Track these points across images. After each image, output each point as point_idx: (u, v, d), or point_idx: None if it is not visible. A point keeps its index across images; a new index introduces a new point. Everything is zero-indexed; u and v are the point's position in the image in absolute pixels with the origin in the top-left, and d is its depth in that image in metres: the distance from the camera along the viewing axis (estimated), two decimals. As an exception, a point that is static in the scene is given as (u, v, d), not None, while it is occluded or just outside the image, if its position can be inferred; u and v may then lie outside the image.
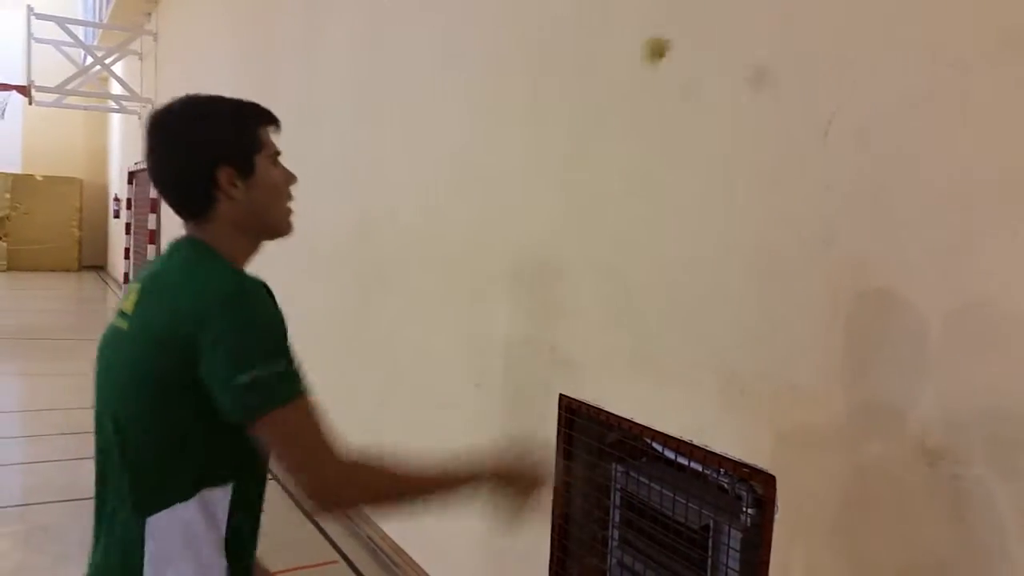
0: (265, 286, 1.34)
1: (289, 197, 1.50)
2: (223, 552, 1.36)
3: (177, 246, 1.44)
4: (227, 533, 1.36)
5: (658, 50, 1.62)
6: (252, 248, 1.48)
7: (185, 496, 1.32)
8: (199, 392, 1.27)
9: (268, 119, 1.48)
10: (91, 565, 1.43)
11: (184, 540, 1.33)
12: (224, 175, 1.39)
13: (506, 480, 1.47)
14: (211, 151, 1.39)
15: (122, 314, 1.40)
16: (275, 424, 1.25)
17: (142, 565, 1.32)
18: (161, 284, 1.38)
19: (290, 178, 1.50)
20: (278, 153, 1.49)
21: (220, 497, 1.35)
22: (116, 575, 1.37)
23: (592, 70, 2.53)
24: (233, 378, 1.23)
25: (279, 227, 1.49)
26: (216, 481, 1.35)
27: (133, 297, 1.38)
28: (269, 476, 1.47)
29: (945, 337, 1.54)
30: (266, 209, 1.45)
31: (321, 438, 1.27)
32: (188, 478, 1.33)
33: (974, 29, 1.51)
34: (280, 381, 1.25)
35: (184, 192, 1.42)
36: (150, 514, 1.32)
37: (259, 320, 1.28)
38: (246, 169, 1.41)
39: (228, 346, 1.25)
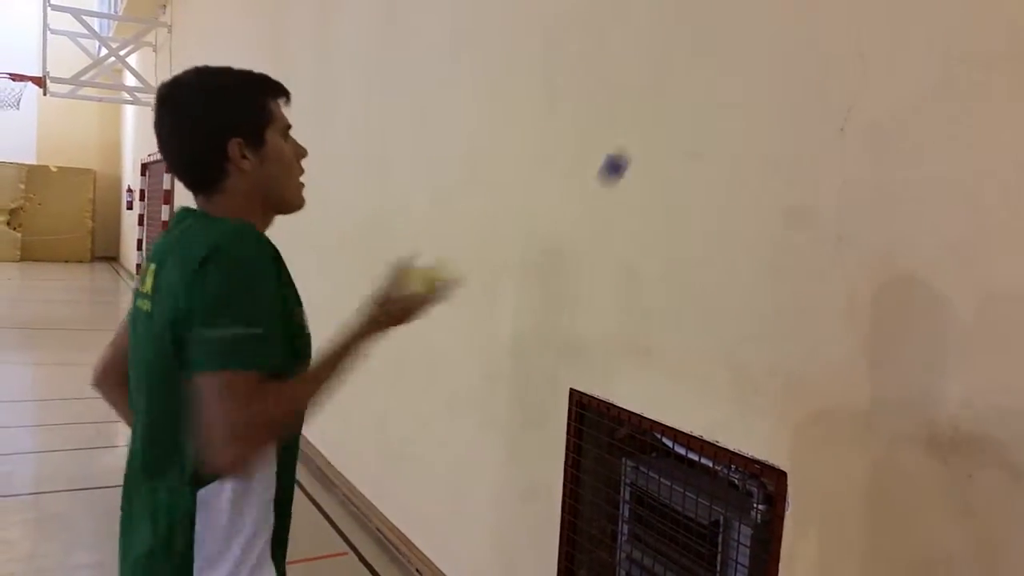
0: (263, 244, 1.32)
1: (300, 171, 1.50)
2: (268, 515, 1.38)
3: (184, 216, 1.42)
4: (274, 493, 1.39)
5: (429, 284, 1.62)
6: (264, 223, 1.46)
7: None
8: None
9: (278, 91, 1.47)
10: (132, 547, 1.40)
11: (231, 511, 1.33)
12: (234, 147, 1.38)
13: (386, 320, 1.48)
14: (221, 122, 1.39)
15: (143, 295, 1.39)
16: (212, 384, 1.20)
17: (191, 537, 1.31)
18: (172, 258, 1.34)
19: (300, 151, 1.50)
20: (289, 127, 1.48)
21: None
22: (163, 546, 1.34)
23: (604, 63, 2.51)
24: (198, 331, 1.22)
25: (291, 201, 1.49)
26: None
27: (151, 278, 1.37)
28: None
29: (960, 334, 1.53)
30: (277, 182, 1.45)
31: (249, 417, 1.20)
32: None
33: (987, 23, 1.49)
34: (233, 344, 1.21)
35: (195, 164, 1.41)
36: (200, 486, 1.31)
37: (236, 278, 1.25)
38: (256, 141, 1.41)
39: (201, 301, 1.23)
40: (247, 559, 1.35)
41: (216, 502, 1.32)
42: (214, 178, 1.40)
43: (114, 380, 1.58)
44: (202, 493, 1.31)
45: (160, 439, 1.36)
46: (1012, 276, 1.44)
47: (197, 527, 1.31)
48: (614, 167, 1.76)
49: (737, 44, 2.04)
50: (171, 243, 1.38)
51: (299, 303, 1.43)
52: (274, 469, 1.40)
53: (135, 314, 1.43)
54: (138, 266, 13.94)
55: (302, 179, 1.51)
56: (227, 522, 1.33)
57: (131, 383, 1.45)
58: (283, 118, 1.47)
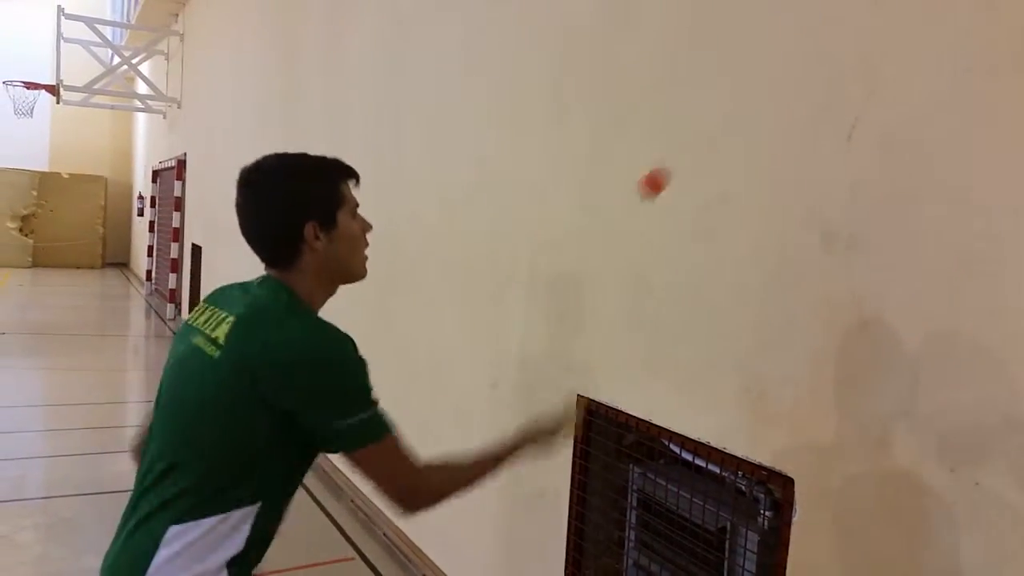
0: (346, 335, 1.46)
1: (366, 244, 1.63)
2: (227, 565, 1.42)
3: (265, 283, 1.55)
4: (244, 546, 1.44)
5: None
6: (329, 292, 1.61)
7: (215, 511, 1.40)
8: (271, 424, 1.39)
9: (350, 174, 1.61)
10: (107, 560, 1.49)
11: (197, 551, 1.39)
12: (309, 230, 1.51)
13: (538, 443, 1.79)
14: (298, 208, 1.52)
15: (209, 339, 1.46)
16: (371, 457, 1.45)
17: (147, 568, 1.38)
18: (255, 322, 1.45)
19: (366, 227, 1.63)
20: (357, 205, 1.61)
21: (248, 513, 1.43)
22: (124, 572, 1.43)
23: (612, 73, 2.53)
24: (334, 423, 1.40)
25: (355, 273, 1.64)
26: (251, 500, 1.43)
27: (224, 327, 1.45)
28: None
29: (968, 343, 1.53)
30: (344, 260, 1.59)
31: (407, 464, 1.48)
32: (226, 496, 1.41)
33: (994, 32, 1.50)
34: (372, 423, 1.43)
35: (273, 243, 1.54)
36: (178, 523, 1.39)
37: (345, 371, 1.42)
38: (328, 223, 1.54)
39: (326, 398, 1.40)
40: None
41: (176, 542, 1.39)
42: (290, 255, 1.53)
43: None
44: (171, 531, 1.39)
45: (184, 473, 1.43)
46: (1021, 284, 1.45)
47: (155, 559, 1.39)
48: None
49: (746, 55, 2.05)
50: (253, 308, 1.48)
51: None
52: (245, 532, 1.45)
53: (189, 354, 1.50)
54: (148, 272, 14.00)
55: (367, 251, 1.65)
56: (186, 563, 1.39)
57: (160, 412, 1.52)
58: (353, 199, 1.60)
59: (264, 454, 1.42)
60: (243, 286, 1.57)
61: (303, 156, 1.58)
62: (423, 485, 1.52)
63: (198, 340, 1.49)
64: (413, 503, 1.51)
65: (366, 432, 1.42)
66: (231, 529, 1.41)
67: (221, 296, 1.58)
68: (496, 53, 3.25)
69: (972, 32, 1.54)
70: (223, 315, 1.48)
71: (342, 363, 1.42)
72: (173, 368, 1.53)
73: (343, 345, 1.44)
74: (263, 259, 1.57)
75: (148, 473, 1.47)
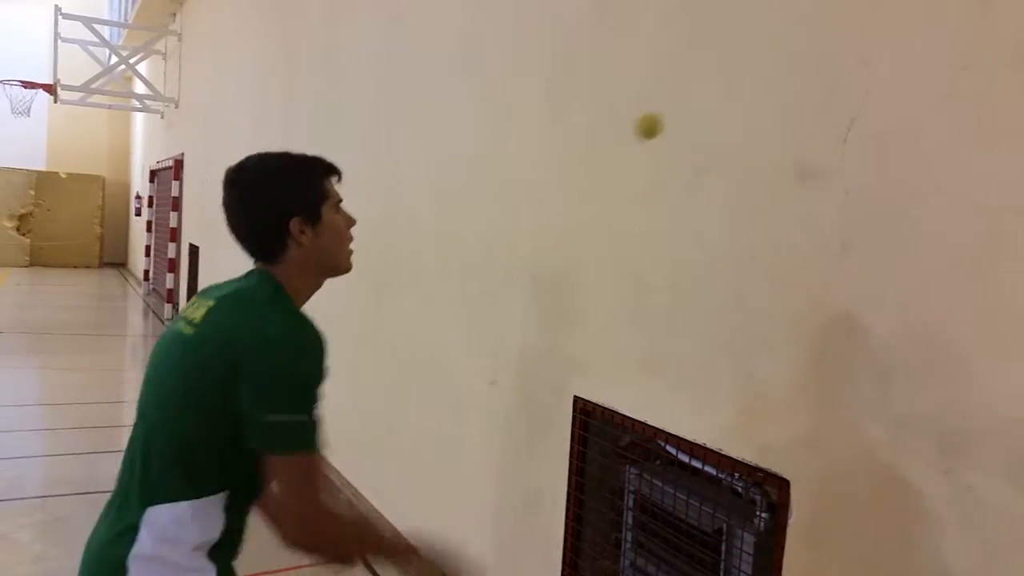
0: (321, 339, 1.47)
1: (350, 239, 1.66)
2: (208, 553, 1.47)
3: (252, 275, 1.60)
4: (219, 536, 1.48)
5: (650, 129, 1.75)
6: (316, 286, 1.64)
7: (188, 496, 1.44)
8: (233, 408, 1.40)
9: (331, 171, 1.64)
10: (88, 544, 1.54)
11: (173, 536, 1.43)
12: (295, 225, 1.55)
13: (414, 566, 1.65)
14: (283, 205, 1.56)
15: (188, 321, 1.52)
16: (288, 465, 1.41)
17: (128, 551, 1.43)
18: (232, 303, 1.51)
19: (350, 222, 1.66)
20: (340, 200, 1.64)
21: (217, 502, 1.47)
22: (105, 556, 1.47)
23: (608, 72, 2.54)
24: (263, 414, 1.39)
25: (341, 266, 1.67)
26: (218, 487, 1.47)
27: (203, 310, 1.51)
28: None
29: (963, 344, 1.54)
30: (330, 252, 1.62)
31: (314, 491, 1.44)
32: (197, 479, 1.45)
33: (990, 32, 1.51)
34: (297, 430, 1.41)
35: (259, 240, 1.58)
36: (154, 504, 1.44)
37: (299, 371, 1.42)
38: (313, 218, 1.58)
39: (263, 384, 1.40)
40: None
41: (156, 523, 1.44)
42: (276, 251, 1.57)
43: None
44: (148, 512, 1.44)
45: (165, 455, 1.47)
46: (1016, 285, 1.46)
47: (135, 545, 1.43)
48: None
49: (743, 55, 2.06)
50: (234, 292, 1.54)
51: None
52: (220, 522, 1.49)
53: (171, 337, 1.55)
54: (146, 272, 14.00)
55: (351, 245, 1.67)
56: (166, 545, 1.44)
57: (145, 396, 1.55)
58: (336, 194, 1.64)
59: (228, 442, 1.43)
60: (233, 279, 1.62)
61: (286, 155, 1.62)
62: (321, 520, 1.45)
63: (180, 324, 1.54)
64: (303, 533, 1.44)
65: (287, 436, 1.40)
66: (206, 516, 1.46)
67: (211, 288, 1.63)
68: (493, 52, 3.26)
69: (969, 31, 1.54)
70: (207, 302, 1.53)
71: (301, 359, 1.43)
72: (155, 354, 1.58)
73: (312, 345, 1.45)
74: (251, 254, 1.61)
75: (131, 456, 1.51)
